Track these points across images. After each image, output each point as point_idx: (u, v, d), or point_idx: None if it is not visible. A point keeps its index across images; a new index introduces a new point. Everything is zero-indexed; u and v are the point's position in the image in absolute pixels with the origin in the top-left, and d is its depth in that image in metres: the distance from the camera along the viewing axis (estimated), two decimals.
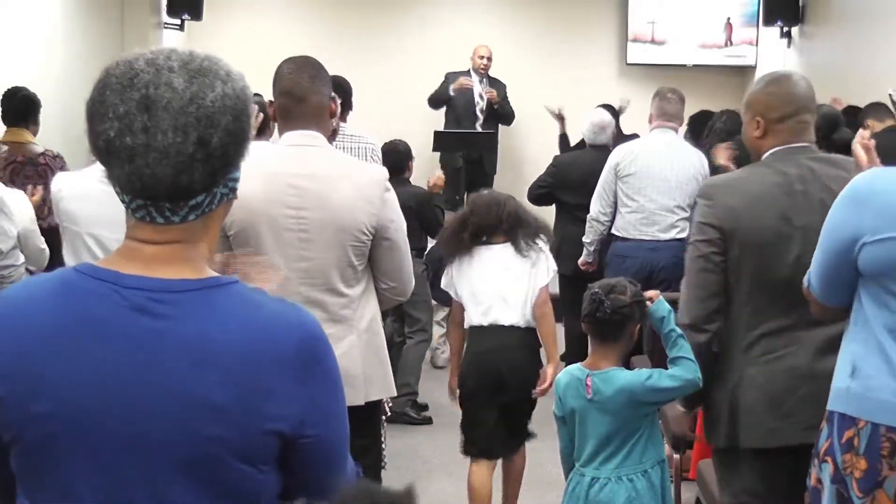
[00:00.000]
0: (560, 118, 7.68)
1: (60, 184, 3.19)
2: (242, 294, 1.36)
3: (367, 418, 2.93)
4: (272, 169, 2.80)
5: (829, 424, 2.39)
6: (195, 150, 1.28)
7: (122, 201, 1.34)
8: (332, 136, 4.02)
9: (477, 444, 3.90)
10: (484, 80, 8.54)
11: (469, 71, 8.53)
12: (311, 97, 2.82)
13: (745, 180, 2.84)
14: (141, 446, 1.29)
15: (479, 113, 8.43)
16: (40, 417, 1.28)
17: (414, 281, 3.03)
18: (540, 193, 6.09)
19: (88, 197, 3.06)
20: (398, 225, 2.88)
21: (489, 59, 8.47)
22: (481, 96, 8.41)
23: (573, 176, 5.52)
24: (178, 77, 1.29)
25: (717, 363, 2.85)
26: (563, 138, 7.75)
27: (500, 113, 8.48)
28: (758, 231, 2.73)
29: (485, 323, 3.81)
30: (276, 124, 6.35)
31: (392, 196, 2.88)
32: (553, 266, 3.91)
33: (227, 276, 1.37)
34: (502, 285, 3.80)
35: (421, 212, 5.42)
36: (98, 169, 3.08)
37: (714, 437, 2.89)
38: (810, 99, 2.81)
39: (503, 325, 3.79)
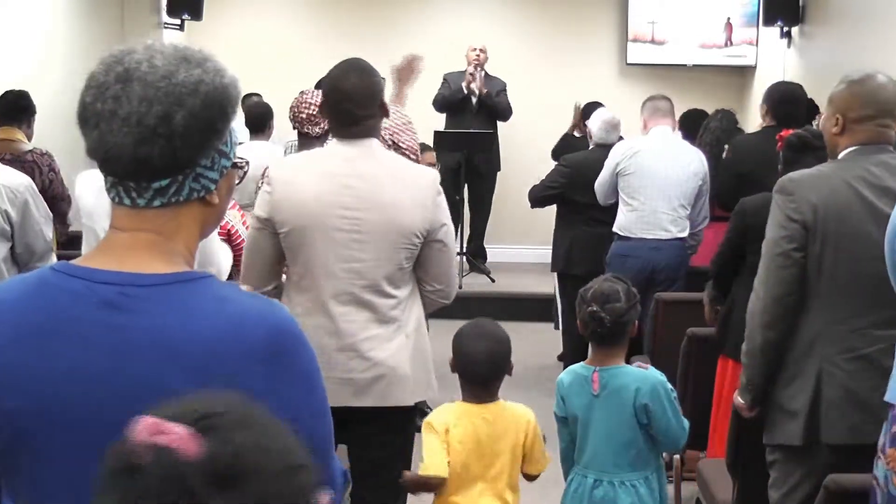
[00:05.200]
0: (577, 119, 7.66)
1: (80, 183, 3.23)
2: (214, 288, 1.35)
3: (411, 419, 2.97)
4: (328, 169, 2.81)
5: (886, 420, 2.36)
6: (157, 123, 1.30)
7: (105, 184, 1.38)
8: (325, 135, 4.04)
9: None
10: (480, 74, 8.48)
11: (466, 70, 8.49)
12: (363, 98, 2.82)
13: (826, 175, 2.81)
14: (110, 442, 1.29)
15: (473, 107, 8.41)
16: (11, 414, 1.29)
17: (457, 285, 3.03)
18: (549, 195, 5.93)
19: (103, 191, 3.09)
20: (448, 228, 2.89)
21: (482, 51, 8.40)
22: (474, 92, 8.40)
23: (588, 176, 5.45)
24: (163, 57, 1.33)
25: (788, 359, 2.82)
26: (567, 138, 7.73)
27: (491, 107, 8.41)
28: (841, 226, 2.71)
29: None
30: (273, 124, 6.38)
31: (443, 199, 2.88)
32: None
33: (201, 272, 1.37)
34: None
35: None
36: None
37: (787, 435, 2.84)
38: (891, 104, 2.80)
39: None
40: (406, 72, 4.35)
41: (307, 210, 2.76)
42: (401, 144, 4.06)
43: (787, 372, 2.82)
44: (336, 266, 2.76)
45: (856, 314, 2.73)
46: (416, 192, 2.81)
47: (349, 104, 2.80)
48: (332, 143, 2.90)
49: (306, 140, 3.99)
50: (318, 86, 4.85)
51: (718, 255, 4.04)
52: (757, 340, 2.85)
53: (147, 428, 0.94)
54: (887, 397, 2.35)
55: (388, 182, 2.80)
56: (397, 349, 2.81)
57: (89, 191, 3.14)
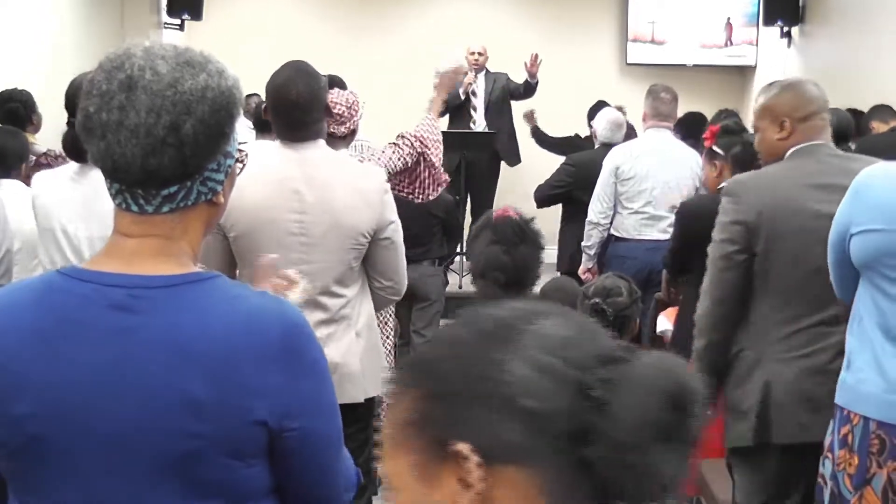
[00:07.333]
0: (529, 118, 7.87)
1: (36, 183, 3.19)
2: (223, 288, 1.34)
3: (366, 414, 2.98)
4: (277, 175, 2.84)
5: (833, 419, 2.40)
6: (166, 133, 1.28)
7: (108, 190, 1.35)
8: (351, 135, 4.00)
9: None
10: (481, 76, 8.47)
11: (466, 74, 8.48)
12: (311, 104, 2.85)
13: (772, 176, 2.85)
14: (123, 445, 1.28)
15: (472, 112, 8.40)
16: (21, 419, 1.28)
17: (407, 281, 3.05)
18: (555, 194, 5.93)
19: (60, 192, 3.07)
20: (396, 225, 2.92)
21: (481, 54, 8.37)
22: (474, 93, 8.38)
23: (593, 175, 5.45)
24: (165, 63, 1.30)
25: (738, 360, 2.84)
26: (537, 131, 7.90)
27: (523, 95, 8.35)
28: (785, 226, 2.74)
29: None
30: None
31: (390, 197, 2.92)
32: None
33: (209, 272, 1.36)
34: None
35: (448, 220, 5.46)
36: (71, 167, 3.09)
37: (738, 436, 2.86)
38: (825, 100, 2.89)
39: None
40: (448, 81, 4.33)
41: (256, 215, 2.79)
42: (431, 157, 4.05)
43: (737, 372, 2.84)
44: (286, 270, 2.79)
45: (803, 314, 2.75)
46: (364, 193, 2.85)
47: (297, 112, 2.84)
48: (278, 147, 2.92)
49: (331, 140, 3.93)
50: (331, 85, 4.81)
51: (669, 254, 4.13)
52: (702, 341, 2.88)
53: (502, 210, 2.38)
54: (837, 399, 2.37)
55: (336, 184, 2.84)
56: (348, 346, 2.86)
57: (48, 190, 3.09)
